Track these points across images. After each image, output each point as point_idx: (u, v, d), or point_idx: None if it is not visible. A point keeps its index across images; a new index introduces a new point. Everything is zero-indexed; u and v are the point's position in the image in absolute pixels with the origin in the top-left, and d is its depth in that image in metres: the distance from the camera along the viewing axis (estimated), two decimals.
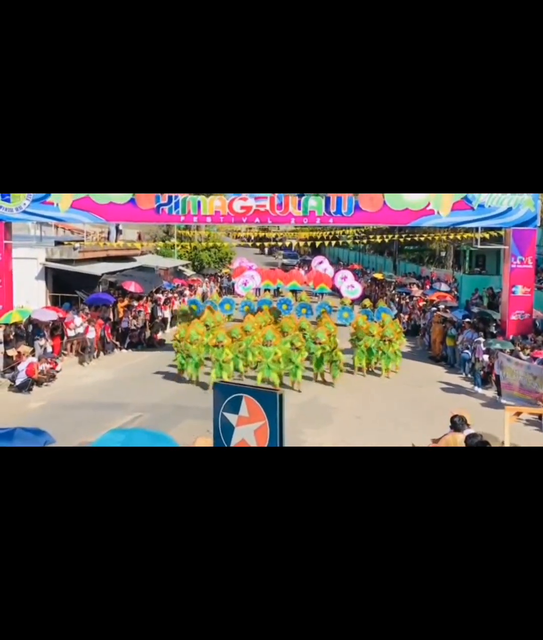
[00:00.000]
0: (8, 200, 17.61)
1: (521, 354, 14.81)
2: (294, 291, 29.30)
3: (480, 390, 15.59)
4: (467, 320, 18.14)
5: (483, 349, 15.90)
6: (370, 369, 17.67)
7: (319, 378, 16.18)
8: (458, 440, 7.24)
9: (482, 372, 15.85)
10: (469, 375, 16.85)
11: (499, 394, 14.86)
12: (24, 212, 17.78)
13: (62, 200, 17.64)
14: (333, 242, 26.88)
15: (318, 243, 26.35)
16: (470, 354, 16.82)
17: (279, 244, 30.29)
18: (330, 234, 27.91)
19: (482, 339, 16.47)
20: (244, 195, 17.70)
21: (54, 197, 17.60)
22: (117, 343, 20.01)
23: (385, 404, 14.41)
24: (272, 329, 16.11)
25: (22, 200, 17.62)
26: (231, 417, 4.56)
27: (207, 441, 5.72)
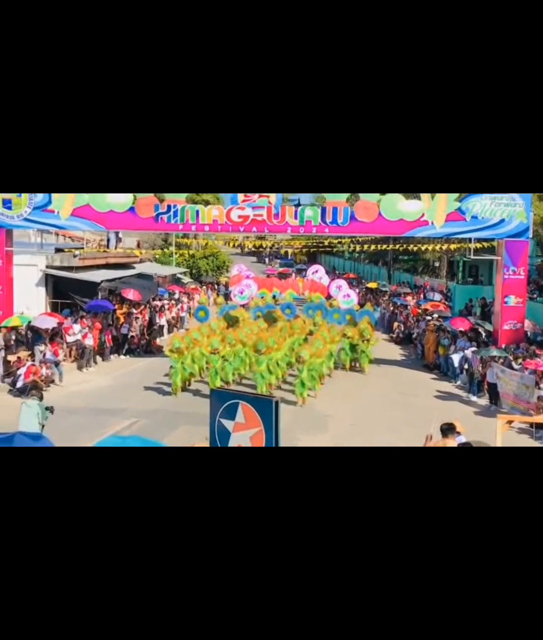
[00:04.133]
0: (9, 208, 17.61)
1: (513, 363, 14.88)
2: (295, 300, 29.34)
3: (474, 397, 15.62)
4: (461, 329, 18.19)
5: (478, 357, 15.96)
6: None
7: (301, 404, 14.73)
8: (447, 445, 7.32)
9: (476, 381, 15.91)
10: (462, 384, 16.88)
11: (491, 402, 14.93)
12: (25, 219, 17.77)
13: (63, 208, 17.65)
14: (329, 251, 26.93)
15: (312, 250, 26.39)
16: (463, 362, 16.89)
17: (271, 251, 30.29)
18: (328, 242, 27.96)
19: (474, 348, 16.53)
20: (241, 204, 17.74)
21: (54, 205, 17.61)
22: (129, 339, 19.96)
23: (379, 412, 14.40)
24: (264, 338, 15.69)
25: (23, 207, 17.63)
26: (228, 424, 4.55)
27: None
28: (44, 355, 16.65)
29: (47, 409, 10.16)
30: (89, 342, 18.37)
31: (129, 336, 20.56)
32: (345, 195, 18.01)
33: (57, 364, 16.55)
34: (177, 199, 17.93)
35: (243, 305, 22.84)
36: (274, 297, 30.96)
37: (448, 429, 7.62)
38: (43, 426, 9.88)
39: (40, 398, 10.23)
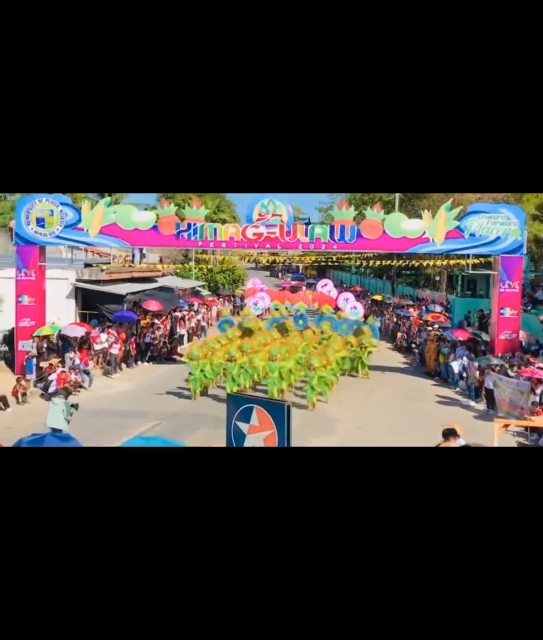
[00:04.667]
0: (43, 226, 17.79)
1: (509, 371, 14.85)
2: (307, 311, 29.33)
3: (472, 403, 15.56)
4: (460, 339, 18.15)
5: (475, 365, 15.92)
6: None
7: (311, 408, 14.69)
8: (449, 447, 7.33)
9: (474, 387, 15.87)
10: (461, 390, 16.83)
11: (488, 407, 14.88)
12: (57, 236, 17.93)
13: (92, 226, 17.81)
14: (337, 266, 26.93)
15: (322, 265, 26.42)
16: (462, 369, 16.85)
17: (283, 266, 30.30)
18: (336, 258, 27.94)
19: (472, 356, 16.49)
20: (256, 222, 17.84)
21: (84, 224, 17.77)
22: (152, 347, 20.00)
23: (383, 415, 14.38)
24: (277, 346, 15.86)
25: (55, 226, 17.80)
26: (243, 426, 4.59)
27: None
28: (74, 362, 16.76)
29: (72, 405, 10.40)
30: (115, 350, 18.47)
31: (151, 344, 20.66)
32: (352, 214, 18.11)
33: (87, 372, 16.67)
34: (197, 218, 18.08)
35: (258, 316, 22.88)
36: (287, 308, 31.03)
37: (449, 433, 7.61)
38: (68, 421, 10.10)
39: (66, 397, 10.49)
